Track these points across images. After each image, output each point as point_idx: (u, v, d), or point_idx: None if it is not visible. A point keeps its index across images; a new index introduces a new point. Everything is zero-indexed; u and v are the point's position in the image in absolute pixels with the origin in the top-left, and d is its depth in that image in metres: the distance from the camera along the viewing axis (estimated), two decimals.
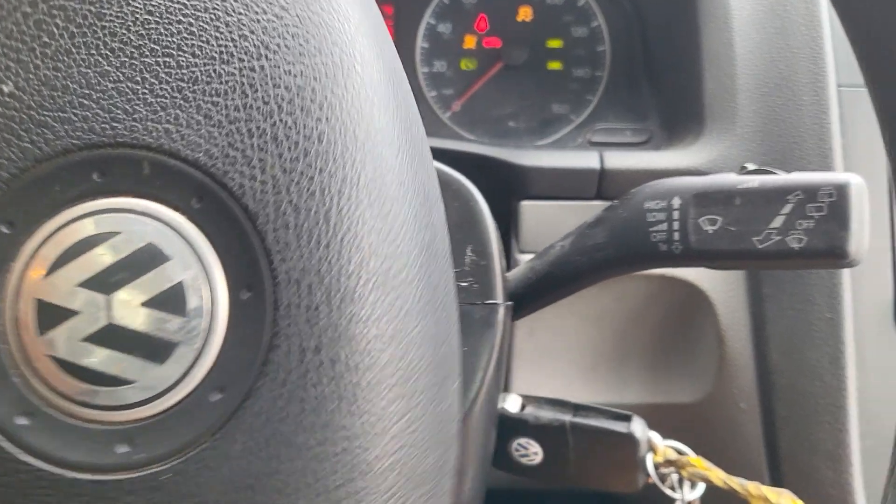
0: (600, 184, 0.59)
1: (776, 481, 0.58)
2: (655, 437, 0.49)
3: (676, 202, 0.43)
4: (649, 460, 0.49)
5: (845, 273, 0.55)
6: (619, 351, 0.64)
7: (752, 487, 0.44)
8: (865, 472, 0.55)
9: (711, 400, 0.61)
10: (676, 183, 0.43)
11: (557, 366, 0.64)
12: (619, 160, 0.59)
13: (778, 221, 0.40)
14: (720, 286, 0.59)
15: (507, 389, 0.65)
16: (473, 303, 0.44)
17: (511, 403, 0.52)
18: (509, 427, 0.51)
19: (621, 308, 0.62)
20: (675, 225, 0.42)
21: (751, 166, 0.42)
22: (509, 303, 0.48)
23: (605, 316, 0.62)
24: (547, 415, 0.50)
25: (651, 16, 0.70)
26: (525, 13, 0.75)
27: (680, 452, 0.49)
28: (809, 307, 0.55)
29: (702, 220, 0.42)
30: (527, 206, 0.61)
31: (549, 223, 0.59)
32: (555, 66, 0.74)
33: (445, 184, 0.44)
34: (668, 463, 0.48)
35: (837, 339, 0.54)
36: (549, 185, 0.60)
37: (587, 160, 0.59)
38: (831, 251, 0.39)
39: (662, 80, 0.67)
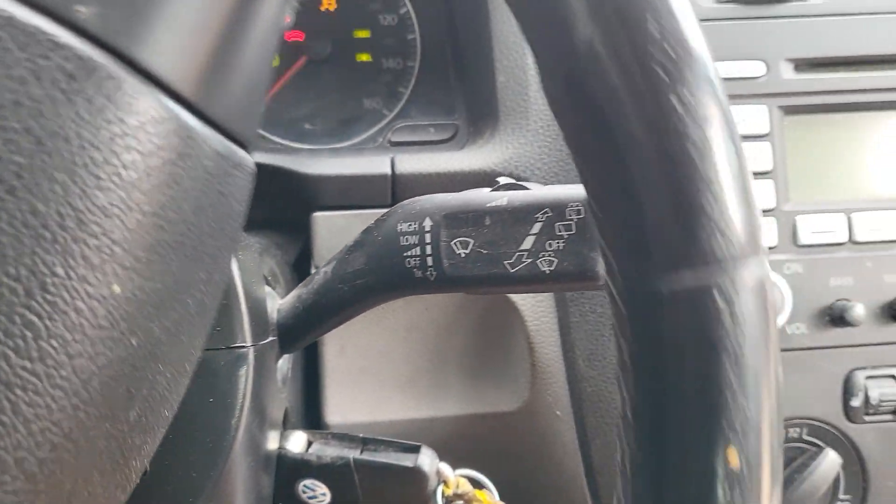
0: (394, 189, 0.55)
1: (593, 492, 0.55)
2: (445, 468, 0.45)
3: (427, 224, 0.39)
4: (440, 494, 0.45)
5: None
6: (435, 363, 0.60)
7: None
8: None
9: (529, 408, 0.58)
10: (428, 202, 0.39)
11: (373, 383, 0.60)
12: (412, 164, 0.55)
13: (528, 242, 0.36)
14: (528, 294, 0.56)
15: (320, 414, 0.60)
16: (217, 348, 0.40)
17: (294, 443, 0.48)
18: (292, 468, 0.47)
19: (432, 319, 0.58)
20: (428, 249, 0.39)
21: (503, 180, 0.39)
22: (271, 339, 0.44)
23: (416, 328, 0.59)
24: (331, 452, 0.46)
25: (457, 1, 0.66)
26: (328, 2, 0.69)
27: (474, 481, 0.46)
28: (609, 310, 0.52)
29: (454, 242, 0.38)
30: (320, 217, 0.56)
31: (343, 235, 0.55)
32: (364, 57, 0.69)
33: None
34: (458, 496, 0.45)
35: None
36: (341, 193, 0.56)
37: (378, 165, 0.55)
38: (583, 274, 0.36)
39: (467, 72, 0.63)
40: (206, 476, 0.39)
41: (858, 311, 0.57)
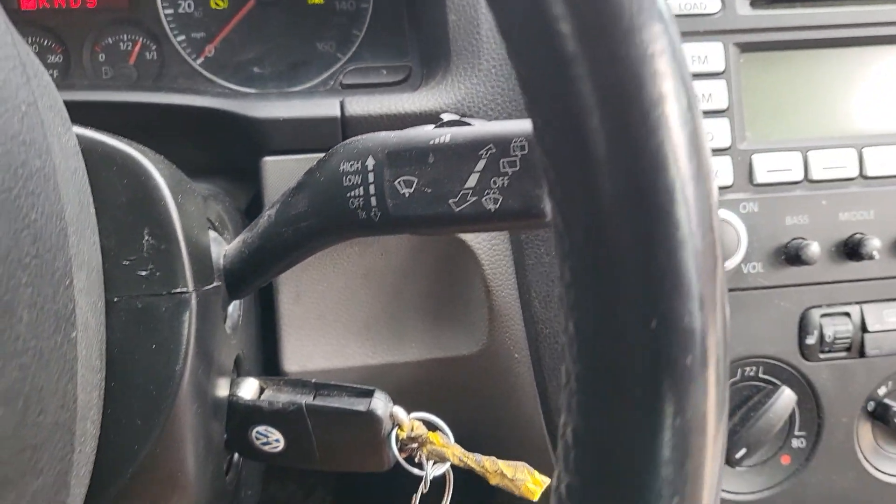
0: (344, 132, 0.53)
1: (551, 432, 0.55)
2: (399, 412, 0.45)
3: (370, 163, 0.38)
4: (394, 437, 0.45)
5: None
6: (393, 308, 0.60)
7: (489, 463, 0.41)
8: None
9: (488, 351, 0.58)
10: (371, 140, 0.38)
11: (330, 330, 0.59)
12: (362, 105, 0.53)
13: (472, 180, 0.36)
14: (483, 236, 0.55)
15: (277, 362, 0.60)
16: (158, 293, 0.39)
17: (246, 390, 0.47)
18: (244, 415, 0.46)
19: (389, 264, 0.58)
20: (372, 189, 0.38)
21: (446, 117, 0.38)
22: (216, 284, 0.43)
23: (373, 273, 0.58)
24: (284, 398, 0.46)
25: None
26: None
27: (430, 425, 0.46)
28: None
29: (398, 181, 0.37)
30: (270, 162, 0.55)
31: (294, 179, 0.54)
32: (316, 0, 0.67)
33: (106, 158, 0.38)
34: (412, 440, 0.45)
35: None
36: (291, 137, 0.54)
37: (328, 108, 0.54)
38: (528, 211, 0.35)
39: (420, 12, 0.62)
40: (151, 423, 0.39)
41: (814, 249, 0.57)
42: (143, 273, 0.39)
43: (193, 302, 0.39)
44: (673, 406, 0.22)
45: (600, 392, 0.23)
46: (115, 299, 0.38)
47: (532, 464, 0.43)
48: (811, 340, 0.58)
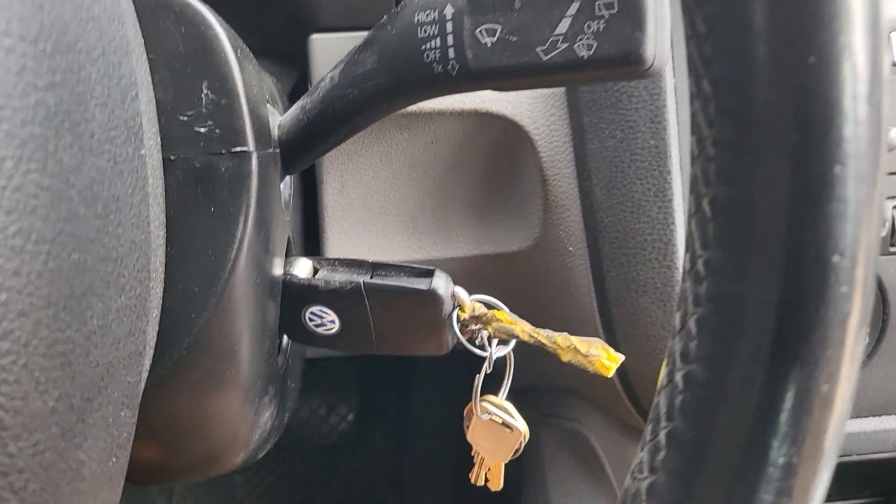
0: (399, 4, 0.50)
1: (607, 327, 0.54)
2: (461, 292, 0.43)
3: (449, 11, 0.35)
4: (455, 318, 0.43)
5: (668, 92, 0.49)
6: (440, 200, 0.57)
7: (561, 339, 0.39)
8: None
9: (540, 245, 0.56)
10: None
11: (375, 223, 0.57)
12: None
13: (564, 25, 0.33)
14: (540, 119, 0.52)
15: (319, 253, 0.58)
16: (217, 152, 0.36)
17: (300, 269, 0.45)
18: (298, 295, 0.44)
19: (438, 152, 0.55)
20: (450, 39, 0.35)
21: None
22: (273, 150, 0.40)
23: (422, 162, 0.56)
24: (340, 278, 0.44)
25: None
26: None
27: (490, 306, 0.44)
28: (632, 135, 0.49)
29: (479, 30, 0.34)
30: (317, 40, 0.52)
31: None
32: None
33: (162, 5, 0.35)
34: (475, 319, 0.43)
35: (663, 169, 0.49)
36: (342, 11, 0.51)
37: None
38: (625, 57, 0.32)
39: None
40: (208, 291, 0.37)
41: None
42: (202, 129, 0.36)
43: (254, 163, 0.37)
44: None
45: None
46: (172, 157, 0.36)
47: None
48: (882, 233, 0.56)
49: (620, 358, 0.39)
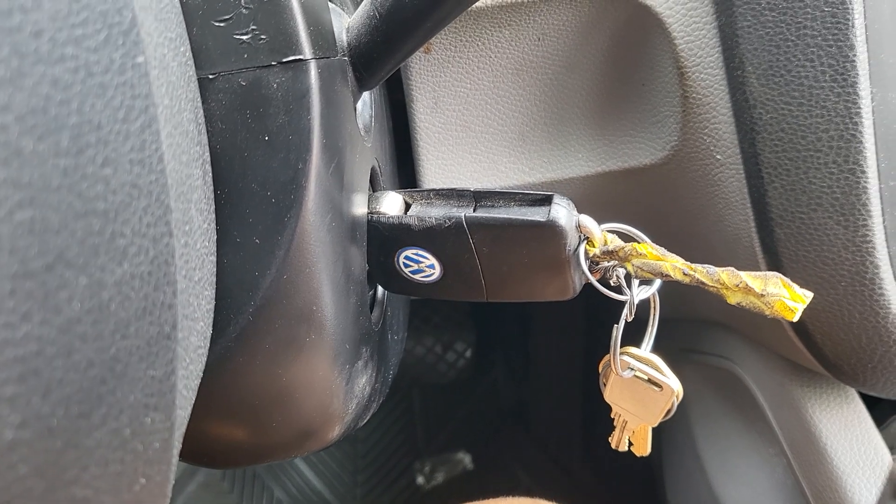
0: None
1: (768, 251, 0.43)
2: (589, 221, 0.34)
3: None
4: (582, 254, 0.35)
5: None
6: (553, 110, 0.48)
7: (726, 276, 0.30)
8: (890, 225, 0.40)
9: (679, 156, 0.46)
10: None
11: (476, 143, 0.48)
12: None
13: None
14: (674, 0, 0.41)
15: (413, 185, 0.50)
16: (265, 64, 0.28)
17: (389, 205, 0.37)
18: (388, 237, 0.37)
19: (548, 52, 0.45)
20: None
21: None
22: (339, 58, 0.32)
23: (529, 66, 0.46)
24: (437, 213, 0.36)
25: None
26: None
27: (625, 237, 0.35)
28: (798, 2, 0.38)
29: None
30: None
31: None
32: None
33: None
34: (609, 255, 0.34)
35: (843, 43, 0.38)
36: None
37: None
38: None
39: None
40: (273, 242, 0.29)
41: None
42: (244, 37, 0.28)
43: (314, 75, 0.29)
44: None
45: None
46: (211, 76, 0.28)
47: None
48: None
49: (808, 296, 0.29)
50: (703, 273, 0.30)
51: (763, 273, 0.29)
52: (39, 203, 0.16)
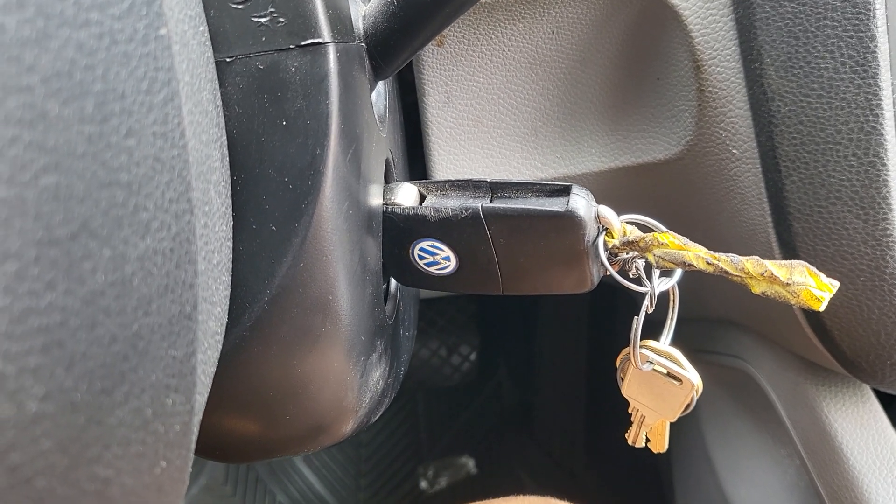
0: None
1: (785, 245, 0.43)
2: (608, 212, 0.34)
3: None
4: (601, 245, 0.34)
5: None
6: (567, 104, 0.47)
7: (751, 264, 0.29)
8: None
9: (694, 151, 0.45)
10: None
11: (489, 138, 0.48)
12: None
13: None
14: None
15: (425, 178, 0.49)
16: (283, 48, 0.28)
17: (404, 196, 0.37)
18: (403, 228, 0.36)
19: (561, 45, 0.45)
20: None
21: None
22: (357, 44, 0.32)
23: (542, 59, 0.46)
24: (453, 203, 0.35)
25: None
26: None
27: (644, 228, 0.34)
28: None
29: None
30: None
31: None
32: None
33: None
34: (629, 245, 0.33)
35: (864, 34, 0.37)
36: None
37: None
38: None
39: None
40: (290, 229, 0.29)
41: None
42: (262, 19, 0.28)
43: (332, 59, 0.28)
44: None
45: None
46: (228, 59, 0.28)
47: None
48: None
49: (835, 285, 0.29)
50: (727, 262, 0.30)
51: (788, 262, 0.29)
52: (65, 169, 0.15)
